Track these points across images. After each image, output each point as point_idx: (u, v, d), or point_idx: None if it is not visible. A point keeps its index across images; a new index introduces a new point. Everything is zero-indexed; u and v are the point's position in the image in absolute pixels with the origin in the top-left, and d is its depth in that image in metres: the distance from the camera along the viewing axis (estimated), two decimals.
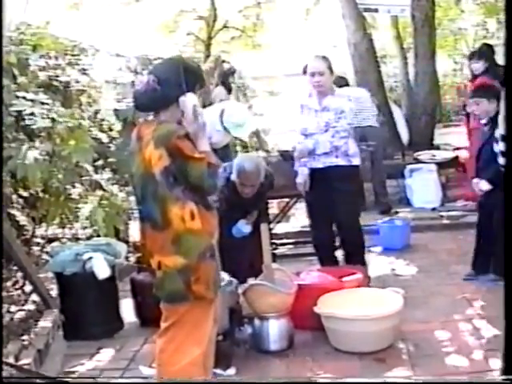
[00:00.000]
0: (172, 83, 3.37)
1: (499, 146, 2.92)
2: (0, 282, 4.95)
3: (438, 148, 9.83)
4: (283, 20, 18.14)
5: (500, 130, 2.89)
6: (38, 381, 4.31)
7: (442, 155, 9.26)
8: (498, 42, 18.72)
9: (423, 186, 8.77)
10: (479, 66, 8.29)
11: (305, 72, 6.07)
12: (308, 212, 6.20)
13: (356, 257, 5.92)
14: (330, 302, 4.87)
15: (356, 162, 5.82)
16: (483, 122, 5.89)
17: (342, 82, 7.84)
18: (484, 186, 5.75)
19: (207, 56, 15.53)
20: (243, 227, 5.51)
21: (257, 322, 4.88)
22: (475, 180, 5.88)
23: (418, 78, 10.57)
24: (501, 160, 2.93)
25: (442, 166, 8.99)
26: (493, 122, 5.44)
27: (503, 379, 2.58)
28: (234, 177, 5.33)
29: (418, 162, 9.12)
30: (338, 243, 6.11)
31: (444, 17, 18.06)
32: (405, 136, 10.57)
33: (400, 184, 9.14)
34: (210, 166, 3.34)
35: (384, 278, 6.29)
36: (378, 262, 6.78)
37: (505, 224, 2.74)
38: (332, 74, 5.86)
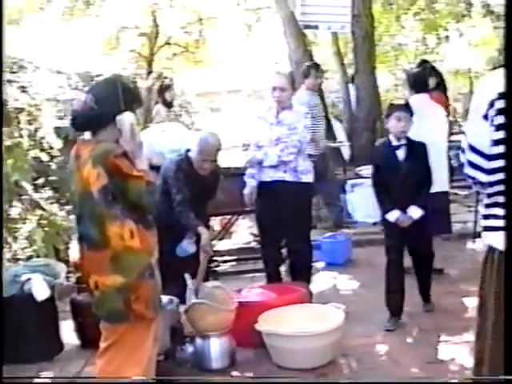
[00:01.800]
0: (109, 102, 3.36)
1: (467, 156, 2.95)
2: (0, 283, 4.88)
3: None
4: (225, 36, 18.22)
5: (468, 139, 2.92)
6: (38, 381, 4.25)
7: None
8: (438, 57, 19.16)
9: (364, 200, 8.81)
10: (430, 82, 8.44)
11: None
12: (257, 226, 6.22)
13: (302, 273, 5.95)
14: (271, 319, 4.87)
15: (306, 179, 5.85)
16: (398, 142, 5.45)
17: None
18: (416, 213, 5.37)
19: (149, 72, 15.51)
20: (187, 247, 5.49)
21: (198, 340, 4.86)
22: (412, 209, 5.37)
23: (358, 93, 10.70)
24: (471, 171, 2.96)
25: None
26: (407, 144, 5.36)
27: (503, 379, 2.60)
28: (194, 154, 5.45)
29: (360, 177, 9.20)
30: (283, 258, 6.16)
31: (385, 33, 18.37)
32: (346, 151, 10.67)
33: (342, 199, 9.20)
34: (148, 184, 3.33)
35: (326, 294, 6.34)
36: (320, 278, 6.82)
37: (505, 225, 2.77)
38: (293, 90, 5.96)
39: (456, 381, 2.99)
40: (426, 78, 7.42)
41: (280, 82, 5.81)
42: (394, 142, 5.46)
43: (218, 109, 17.19)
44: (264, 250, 6.14)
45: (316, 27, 10.46)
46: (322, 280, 6.81)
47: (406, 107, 5.58)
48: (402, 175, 5.36)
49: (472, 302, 5.79)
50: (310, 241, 6.04)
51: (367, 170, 9.29)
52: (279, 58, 14.27)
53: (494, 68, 4.34)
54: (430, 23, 17.77)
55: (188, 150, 5.53)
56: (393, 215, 5.39)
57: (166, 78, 11.50)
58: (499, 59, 18.61)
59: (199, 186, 5.44)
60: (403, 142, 5.43)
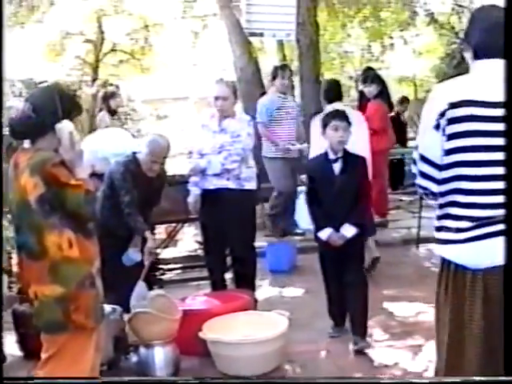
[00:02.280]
0: (47, 111, 3.33)
1: (419, 166, 2.97)
2: (0, 284, 4.90)
3: None
4: (172, 43, 18.17)
5: (420, 150, 2.94)
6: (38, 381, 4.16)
7: None
8: (383, 65, 19.39)
9: None
10: (372, 89, 8.53)
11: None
12: (202, 234, 6.22)
13: (247, 281, 5.96)
14: (215, 327, 4.87)
15: (249, 186, 5.87)
16: (335, 155, 5.15)
17: None
18: (349, 231, 5.05)
19: (94, 79, 15.40)
20: (133, 255, 5.46)
21: (142, 349, 4.83)
22: (345, 227, 5.05)
23: (303, 101, 10.75)
24: (423, 182, 2.99)
25: None
26: (344, 157, 5.05)
27: (504, 379, 2.61)
28: (143, 155, 5.43)
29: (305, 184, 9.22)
30: (228, 266, 6.17)
31: (331, 40, 18.50)
32: None
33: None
34: (87, 193, 3.30)
35: (271, 301, 6.36)
36: (265, 285, 6.83)
37: (505, 226, 2.80)
38: (236, 98, 5.96)
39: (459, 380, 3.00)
40: (339, 88, 7.55)
41: (222, 92, 5.81)
42: (331, 155, 5.14)
43: (165, 116, 17.13)
44: (208, 258, 6.13)
45: (261, 35, 10.46)
46: (267, 287, 6.81)
47: (343, 115, 5.23)
48: (337, 190, 5.06)
49: (416, 307, 5.89)
50: (254, 248, 6.05)
51: None
52: (226, 65, 14.27)
53: (440, 78, 4.39)
54: (375, 31, 17.95)
55: (135, 153, 5.50)
56: (325, 233, 5.08)
57: (111, 84, 11.45)
58: (442, 67, 18.98)
59: (146, 189, 5.42)
60: (340, 154, 5.11)
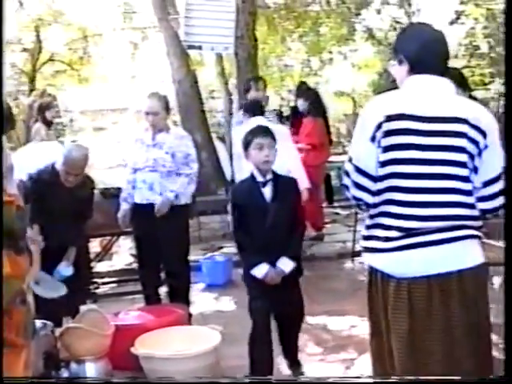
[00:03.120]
0: None
1: (353, 178, 3.01)
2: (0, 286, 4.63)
3: None
4: (111, 54, 18.07)
5: (354, 161, 3.00)
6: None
7: None
8: (321, 79, 19.59)
9: None
10: (302, 103, 8.64)
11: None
12: (136, 248, 6.18)
13: (181, 295, 5.94)
14: (148, 342, 4.83)
15: (182, 200, 5.85)
16: (264, 178, 4.48)
17: None
18: (287, 266, 4.42)
19: (31, 90, 15.19)
20: (64, 270, 5.40)
21: (74, 365, 4.75)
22: (282, 261, 4.41)
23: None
24: (357, 193, 3.03)
25: None
26: (274, 180, 4.46)
27: (504, 379, 2.64)
28: (60, 166, 5.32)
29: None
30: (162, 280, 6.13)
31: (271, 54, 18.63)
32: (228, 171, 10.70)
33: (224, 219, 9.22)
34: (18, 208, 3.25)
35: (205, 315, 6.34)
36: (200, 299, 6.81)
37: (505, 226, 2.83)
38: (168, 112, 5.94)
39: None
40: (260, 103, 7.64)
41: (151, 107, 5.78)
42: (259, 178, 4.47)
43: (103, 127, 17.02)
44: (142, 272, 6.10)
45: (199, 47, 10.45)
46: (202, 301, 6.80)
47: (267, 131, 4.61)
48: (270, 219, 4.39)
49: (349, 321, 5.95)
50: (188, 262, 6.04)
51: None
52: (164, 77, 14.26)
53: (378, 92, 4.47)
54: (314, 46, 18.17)
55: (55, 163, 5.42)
56: (260, 270, 4.37)
57: (49, 95, 11.29)
58: (380, 82, 19.26)
59: (66, 199, 5.32)
60: (269, 177, 4.47)
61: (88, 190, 5.63)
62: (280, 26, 17.01)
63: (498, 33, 16.26)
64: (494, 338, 4.69)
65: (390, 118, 2.87)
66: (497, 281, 6.72)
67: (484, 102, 14.71)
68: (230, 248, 8.51)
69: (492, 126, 2.94)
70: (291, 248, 4.46)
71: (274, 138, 4.54)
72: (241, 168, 6.87)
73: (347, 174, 3.03)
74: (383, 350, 3.02)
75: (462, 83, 4.87)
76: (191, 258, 6.25)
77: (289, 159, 6.64)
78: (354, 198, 3.05)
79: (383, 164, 2.91)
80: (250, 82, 8.50)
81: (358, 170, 2.97)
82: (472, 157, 2.88)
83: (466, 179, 2.90)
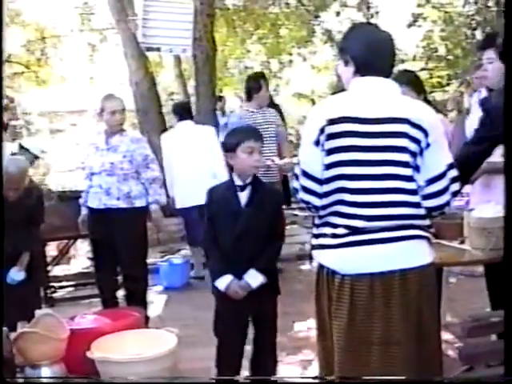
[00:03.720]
0: None
1: (301, 181, 3.03)
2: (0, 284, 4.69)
3: None
4: (69, 56, 17.92)
5: (301, 165, 3.04)
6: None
7: None
8: (281, 81, 19.62)
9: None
10: None
11: (102, 111, 5.83)
12: (92, 252, 6.14)
13: (138, 298, 5.91)
14: (104, 346, 4.78)
15: (139, 203, 5.83)
16: (243, 182, 4.07)
17: None
18: (255, 280, 3.98)
19: None
20: (16, 275, 5.33)
21: (28, 370, 4.69)
22: (250, 274, 3.96)
23: (199, 116, 10.76)
24: (305, 196, 3.06)
25: None
26: (253, 184, 4.05)
27: (504, 380, 2.65)
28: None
29: None
30: (119, 283, 6.10)
31: (230, 56, 18.64)
32: None
33: (182, 222, 9.16)
34: None
35: (163, 318, 6.33)
36: (158, 302, 6.79)
37: (505, 226, 2.84)
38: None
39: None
40: (189, 104, 7.91)
41: (118, 105, 5.76)
42: (238, 182, 4.07)
43: (61, 129, 16.86)
44: (99, 276, 6.07)
45: (158, 49, 10.43)
46: (160, 304, 6.77)
47: (258, 135, 4.17)
48: (242, 226, 3.99)
49: (307, 323, 5.97)
50: (145, 265, 6.02)
51: None
52: (123, 79, 14.20)
53: (334, 93, 4.49)
54: (274, 48, 18.20)
55: None
56: (222, 282, 4.01)
57: (7, 97, 11.18)
58: (339, 84, 19.36)
59: (13, 210, 5.22)
60: (249, 180, 4.06)
61: (34, 199, 5.48)
62: (239, 27, 17.02)
63: (455, 35, 16.47)
64: (450, 337, 4.77)
65: (332, 122, 2.92)
66: (453, 281, 6.81)
67: (442, 104, 14.95)
68: (189, 250, 8.51)
69: (434, 125, 2.98)
70: (262, 261, 3.98)
71: (262, 142, 4.19)
72: (174, 180, 7.13)
73: (296, 177, 3.06)
74: (329, 347, 3.05)
75: (416, 85, 4.92)
76: (149, 260, 6.22)
77: (213, 160, 6.78)
78: (303, 201, 3.09)
79: (328, 167, 2.95)
80: (260, 80, 7.41)
81: (305, 174, 3.02)
82: (414, 156, 2.92)
83: (409, 178, 2.93)
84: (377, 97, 2.98)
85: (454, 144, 4.47)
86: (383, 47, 3.06)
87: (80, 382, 3.78)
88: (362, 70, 3.04)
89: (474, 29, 15.80)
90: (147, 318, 5.77)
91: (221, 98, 12.94)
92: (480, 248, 3.72)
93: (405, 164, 2.91)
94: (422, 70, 16.62)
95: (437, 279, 4.44)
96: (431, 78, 16.85)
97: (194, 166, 7.29)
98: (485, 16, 15.47)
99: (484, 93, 4.48)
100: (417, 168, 2.95)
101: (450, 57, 16.74)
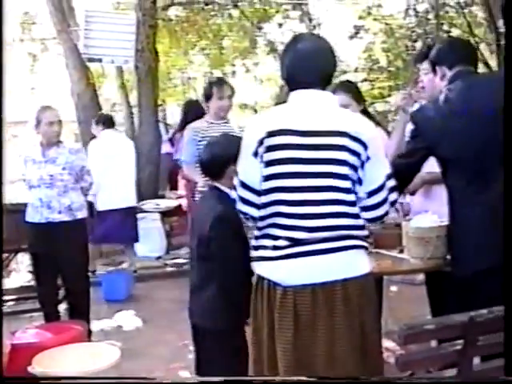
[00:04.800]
0: None
1: (238, 192, 3.05)
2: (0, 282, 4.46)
3: (162, 197, 9.99)
4: (10, 66, 17.64)
5: (240, 176, 3.07)
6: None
7: (166, 204, 9.43)
8: None
9: (147, 234, 8.86)
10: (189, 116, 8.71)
11: (38, 122, 5.72)
12: (33, 267, 6.05)
13: (80, 311, 5.84)
14: (45, 361, 4.73)
15: (80, 215, 5.76)
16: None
17: None
18: None
19: None
20: None
21: None
22: None
23: (141, 127, 10.74)
24: (243, 207, 3.10)
25: (166, 214, 9.16)
26: None
27: (504, 379, 2.65)
28: None
29: (142, 211, 9.20)
30: (61, 297, 6.03)
31: (173, 66, 18.62)
32: None
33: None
34: None
35: (106, 331, 6.28)
36: (101, 315, 6.72)
37: (504, 225, 2.85)
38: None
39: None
40: (112, 116, 8.17)
41: (56, 116, 5.70)
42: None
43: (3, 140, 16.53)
44: (40, 290, 5.98)
45: (100, 60, 10.39)
46: (103, 317, 6.70)
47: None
48: None
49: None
50: (87, 278, 5.96)
51: (149, 204, 9.37)
52: (64, 89, 14.06)
53: (278, 103, 4.52)
54: (217, 59, 18.23)
55: None
56: None
57: None
58: (281, 95, 19.47)
59: None
60: None
61: None
62: (182, 38, 17.00)
63: (396, 47, 16.72)
64: (392, 345, 4.83)
65: (271, 134, 2.94)
66: (394, 289, 6.91)
67: (383, 115, 15.16)
68: (127, 263, 8.46)
69: (373, 138, 3.02)
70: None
71: None
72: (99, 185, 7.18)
73: (235, 188, 3.08)
74: (263, 356, 3.06)
75: (357, 95, 4.99)
76: (91, 273, 6.17)
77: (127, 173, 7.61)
78: (241, 211, 3.10)
79: (266, 178, 2.97)
80: (212, 86, 6.06)
81: (243, 185, 3.04)
82: (355, 169, 2.96)
83: (348, 190, 2.97)
84: (315, 110, 3.01)
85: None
86: (310, 60, 3.06)
87: (80, 381, 3.74)
88: (291, 84, 3.09)
89: (415, 41, 16.05)
90: (90, 332, 5.71)
91: (163, 109, 12.91)
92: (418, 257, 3.78)
93: (344, 176, 2.94)
94: (364, 81, 16.82)
95: (377, 288, 4.55)
96: (373, 89, 17.05)
97: (116, 171, 7.93)
98: (425, 28, 15.74)
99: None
100: (359, 181, 2.99)
101: (391, 68, 16.96)
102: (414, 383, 2.94)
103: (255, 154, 2.97)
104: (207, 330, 3.77)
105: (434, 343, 3.08)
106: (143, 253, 8.88)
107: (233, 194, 3.13)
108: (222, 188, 3.67)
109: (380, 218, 3.14)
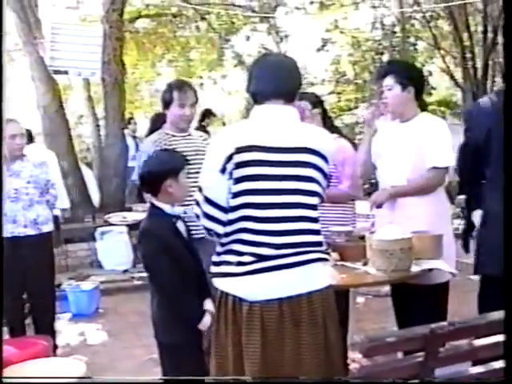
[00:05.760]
0: None
1: (203, 208, 3.09)
2: (0, 285, 4.49)
3: (129, 210, 9.95)
4: None
5: (204, 192, 3.08)
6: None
7: (133, 217, 9.36)
8: None
9: (114, 248, 8.82)
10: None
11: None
12: None
13: (46, 326, 5.79)
14: (10, 376, 4.69)
15: (46, 228, 5.71)
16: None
17: None
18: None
19: None
20: None
21: None
22: None
23: (108, 140, 10.70)
24: (207, 223, 3.12)
25: (132, 227, 9.10)
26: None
27: (504, 379, 2.64)
28: None
29: (109, 224, 9.16)
30: (26, 311, 5.97)
31: (141, 78, 18.61)
32: (96, 198, 10.59)
33: (91, 247, 9.08)
34: None
35: (72, 346, 6.22)
36: (67, 330, 6.67)
37: (504, 225, 2.83)
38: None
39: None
40: (31, 131, 7.88)
41: (20, 129, 5.65)
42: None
43: None
44: (5, 305, 5.91)
45: (66, 72, 10.30)
46: (69, 332, 6.65)
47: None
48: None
49: None
50: (53, 292, 5.91)
51: (116, 217, 9.32)
52: (30, 101, 13.97)
53: (246, 116, 4.54)
54: (184, 71, 18.26)
55: None
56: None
57: None
58: (249, 107, 19.53)
59: None
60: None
61: None
62: (150, 50, 17.01)
63: (362, 60, 16.88)
64: (359, 356, 4.84)
65: (240, 150, 2.93)
66: (360, 301, 6.95)
67: (350, 127, 15.27)
68: (98, 276, 8.41)
69: (334, 152, 3.10)
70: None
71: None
72: None
73: (198, 203, 3.06)
74: (228, 372, 3.05)
75: (322, 107, 5.03)
76: (57, 287, 6.12)
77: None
78: (205, 228, 3.07)
79: (236, 195, 2.96)
80: (173, 90, 4.92)
81: (208, 201, 3.01)
82: (321, 184, 3.01)
83: (314, 207, 3.01)
84: (280, 125, 3.03)
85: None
86: (279, 75, 3.09)
87: (80, 382, 3.72)
88: (256, 98, 3.11)
89: (381, 53, 16.23)
90: (56, 347, 5.67)
91: (131, 121, 12.88)
92: (382, 269, 3.80)
93: (312, 193, 2.99)
94: (331, 93, 16.94)
95: (344, 300, 4.58)
96: (339, 101, 17.19)
97: None
98: (391, 41, 15.91)
99: (389, 118, 4.59)
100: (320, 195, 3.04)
101: (358, 80, 17.12)
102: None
103: (223, 171, 2.94)
104: (163, 344, 3.78)
105: (400, 355, 3.11)
106: (110, 266, 8.83)
107: (195, 210, 3.11)
108: (156, 203, 3.66)
109: None
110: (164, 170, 3.63)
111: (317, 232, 3.04)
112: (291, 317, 2.93)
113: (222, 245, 3.07)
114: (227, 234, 3.03)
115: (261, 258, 2.93)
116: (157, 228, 3.49)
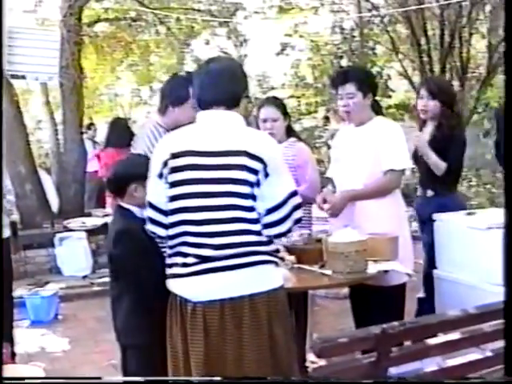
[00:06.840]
0: None
1: (147, 213, 3.10)
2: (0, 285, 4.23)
3: (89, 215, 9.88)
4: None
5: (147, 197, 3.14)
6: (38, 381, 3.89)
7: (92, 222, 9.31)
8: (151, 108, 19.60)
9: (73, 253, 8.76)
10: (111, 136, 8.73)
11: None
12: None
13: (3, 333, 5.73)
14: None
15: (4, 234, 5.66)
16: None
17: None
18: None
19: None
20: None
21: None
22: None
23: (66, 145, 10.60)
24: (152, 227, 3.14)
25: (92, 232, 9.05)
26: None
27: (504, 379, 2.65)
28: None
29: (68, 229, 9.09)
30: None
31: (100, 83, 18.49)
32: (55, 204, 10.48)
33: (50, 253, 8.99)
34: None
35: (31, 353, 6.17)
36: (25, 337, 6.59)
37: (504, 225, 2.83)
38: None
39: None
40: None
41: None
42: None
43: None
44: None
45: (23, 77, 10.21)
46: (28, 339, 6.58)
47: None
48: None
49: None
50: (11, 299, 5.84)
51: (75, 222, 9.26)
52: None
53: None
54: (144, 75, 18.20)
55: None
56: None
57: None
58: None
59: None
60: None
61: None
62: (109, 55, 16.90)
63: (322, 64, 16.95)
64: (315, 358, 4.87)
65: (174, 156, 3.05)
66: (319, 303, 6.98)
67: (310, 131, 15.30)
68: (57, 283, 8.33)
69: (273, 155, 3.11)
70: None
71: None
72: None
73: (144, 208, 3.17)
74: (179, 370, 3.12)
75: (283, 111, 5.06)
76: (15, 294, 6.06)
77: None
78: (150, 231, 3.21)
79: (172, 199, 3.07)
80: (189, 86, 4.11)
81: (151, 205, 3.15)
82: (254, 186, 3.04)
83: (250, 209, 3.05)
84: (219, 130, 3.11)
85: None
86: (221, 80, 3.16)
87: (80, 382, 3.68)
88: (200, 104, 3.19)
89: (341, 57, 16.30)
90: (14, 354, 5.61)
91: (91, 126, 12.80)
92: (339, 271, 3.83)
93: (245, 195, 3.04)
94: (291, 97, 16.97)
95: (302, 303, 4.62)
96: (299, 105, 17.23)
97: None
98: (350, 45, 16.00)
99: (353, 127, 4.59)
100: (258, 197, 3.07)
101: (317, 84, 17.16)
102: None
103: (160, 176, 3.08)
104: (128, 347, 3.77)
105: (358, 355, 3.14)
106: (69, 272, 8.76)
107: (144, 213, 3.21)
108: (125, 205, 3.68)
109: (283, 235, 3.27)
110: (132, 174, 3.64)
111: (257, 233, 3.08)
112: (233, 318, 2.99)
113: (170, 247, 3.16)
114: (173, 237, 3.12)
115: (203, 259, 3.01)
116: (133, 229, 3.51)
